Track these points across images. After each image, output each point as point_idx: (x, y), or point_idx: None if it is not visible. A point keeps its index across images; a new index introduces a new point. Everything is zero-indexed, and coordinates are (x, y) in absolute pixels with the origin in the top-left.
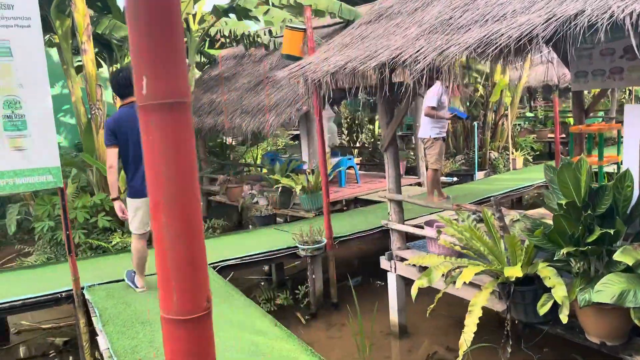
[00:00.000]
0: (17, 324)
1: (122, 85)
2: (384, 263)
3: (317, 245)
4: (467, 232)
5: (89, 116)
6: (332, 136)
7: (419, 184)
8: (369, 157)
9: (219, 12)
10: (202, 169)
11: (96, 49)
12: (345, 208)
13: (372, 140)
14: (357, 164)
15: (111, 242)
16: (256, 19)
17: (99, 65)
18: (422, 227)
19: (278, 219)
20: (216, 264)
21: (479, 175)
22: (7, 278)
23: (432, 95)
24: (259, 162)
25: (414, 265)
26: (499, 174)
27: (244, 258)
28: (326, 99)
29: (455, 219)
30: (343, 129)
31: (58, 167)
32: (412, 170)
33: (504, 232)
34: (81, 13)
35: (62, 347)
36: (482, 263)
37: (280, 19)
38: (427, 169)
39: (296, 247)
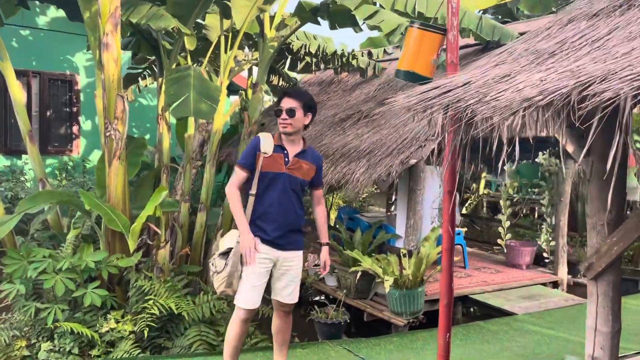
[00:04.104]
0: None
1: None
2: None
3: None
4: None
5: (103, 140)
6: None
7: (556, 285)
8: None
9: (305, 13)
10: None
11: (143, 55)
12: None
13: (479, 201)
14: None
15: (98, 329)
16: (356, 24)
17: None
18: None
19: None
20: None
21: None
22: None
23: None
24: (333, 215)
25: None
26: None
27: None
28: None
29: None
30: None
31: None
32: (542, 260)
33: None
34: None
35: None
36: None
37: (392, 26)
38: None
39: None
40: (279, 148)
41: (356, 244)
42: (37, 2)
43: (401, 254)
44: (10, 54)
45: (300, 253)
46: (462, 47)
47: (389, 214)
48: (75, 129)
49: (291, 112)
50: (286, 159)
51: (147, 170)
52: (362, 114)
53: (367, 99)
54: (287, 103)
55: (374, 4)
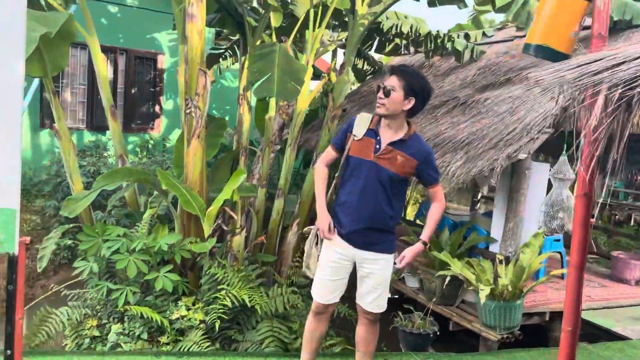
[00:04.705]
0: None
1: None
2: None
3: None
4: None
5: (183, 117)
6: (564, 213)
7: None
8: None
9: None
10: None
11: (226, 34)
12: (546, 324)
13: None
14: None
15: (169, 315)
16: (461, 0)
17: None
18: None
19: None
20: None
21: None
22: None
23: None
24: (410, 209)
25: None
26: None
27: None
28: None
29: None
30: None
31: (13, 212)
32: None
33: None
34: None
35: None
36: None
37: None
38: None
39: None
40: (372, 132)
41: (443, 244)
42: None
43: (497, 260)
44: (98, 31)
45: (386, 256)
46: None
47: (474, 212)
48: (157, 107)
49: (387, 92)
50: (377, 146)
51: (225, 152)
52: (459, 101)
53: (464, 84)
54: (388, 81)
55: None
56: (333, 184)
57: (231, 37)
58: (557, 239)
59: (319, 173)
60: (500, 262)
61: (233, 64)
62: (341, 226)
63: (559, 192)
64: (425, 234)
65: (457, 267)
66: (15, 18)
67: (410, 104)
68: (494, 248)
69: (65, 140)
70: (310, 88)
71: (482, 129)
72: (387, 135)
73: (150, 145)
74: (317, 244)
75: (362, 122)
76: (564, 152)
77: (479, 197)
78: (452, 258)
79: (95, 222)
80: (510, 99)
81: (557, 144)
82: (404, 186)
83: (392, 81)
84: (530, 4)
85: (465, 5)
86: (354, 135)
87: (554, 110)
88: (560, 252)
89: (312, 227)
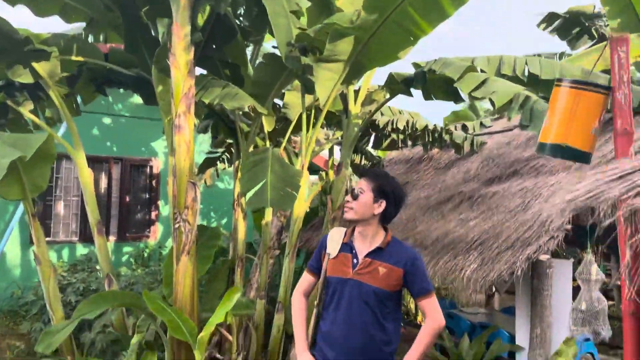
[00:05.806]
0: None
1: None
2: None
3: None
4: None
5: (173, 232)
6: (598, 318)
7: None
8: None
9: (396, 85)
10: None
11: (221, 137)
12: None
13: None
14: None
15: None
16: (456, 95)
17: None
18: None
19: None
20: None
21: None
22: None
23: None
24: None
25: None
26: None
27: None
28: None
29: None
30: None
31: None
32: None
33: None
34: (181, 70)
35: None
36: None
37: (508, 96)
38: None
39: None
40: (347, 246)
41: (464, 354)
42: (116, 90)
43: None
44: (91, 141)
45: None
46: None
47: (490, 308)
48: (153, 214)
49: (356, 195)
50: (354, 260)
51: (222, 255)
52: (465, 196)
53: (468, 178)
54: (358, 184)
55: (477, 70)
56: (314, 313)
57: (227, 140)
58: (587, 338)
59: (296, 304)
60: None
61: (230, 166)
62: None
63: (588, 295)
64: (410, 356)
65: None
66: None
67: (380, 207)
68: (521, 358)
69: (45, 266)
70: (311, 182)
71: (495, 227)
72: (364, 246)
73: (145, 254)
74: None
75: (335, 238)
76: (587, 249)
77: (493, 290)
78: None
79: (76, 353)
80: (521, 193)
81: (575, 236)
82: (396, 303)
83: (361, 184)
84: (533, 100)
85: (463, 100)
86: (329, 254)
87: (574, 203)
88: (592, 353)
89: None
